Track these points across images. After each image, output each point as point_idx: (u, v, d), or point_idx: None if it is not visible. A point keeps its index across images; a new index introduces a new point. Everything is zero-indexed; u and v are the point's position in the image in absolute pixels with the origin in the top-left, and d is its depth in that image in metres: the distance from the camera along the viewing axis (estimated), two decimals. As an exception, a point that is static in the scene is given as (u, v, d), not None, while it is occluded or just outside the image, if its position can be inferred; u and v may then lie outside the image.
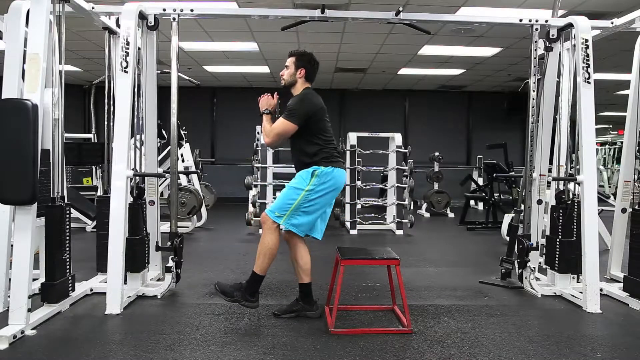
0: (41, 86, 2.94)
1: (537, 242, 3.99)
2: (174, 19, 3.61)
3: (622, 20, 3.82)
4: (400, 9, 3.66)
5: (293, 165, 3.23)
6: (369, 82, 10.83)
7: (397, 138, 7.41)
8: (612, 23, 3.86)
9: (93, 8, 3.56)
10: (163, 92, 3.86)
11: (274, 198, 7.46)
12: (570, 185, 3.81)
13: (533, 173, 3.92)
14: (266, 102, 3.24)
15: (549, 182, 4.19)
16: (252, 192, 7.09)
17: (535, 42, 3.78)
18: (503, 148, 8.74)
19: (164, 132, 5.72)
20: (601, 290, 3.63)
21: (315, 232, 3.20)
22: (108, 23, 3.83)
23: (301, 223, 3.05)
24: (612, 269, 4.25)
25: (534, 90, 3.83)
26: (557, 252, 3.79)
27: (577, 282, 3.81)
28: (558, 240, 3.78)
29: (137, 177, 3.63)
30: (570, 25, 3.68)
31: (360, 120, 11.32)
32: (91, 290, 3.63)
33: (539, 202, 4.05)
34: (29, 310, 2.85)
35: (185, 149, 7.02)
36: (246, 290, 3.09)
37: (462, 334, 2.94)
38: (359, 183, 7.16)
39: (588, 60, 3.57)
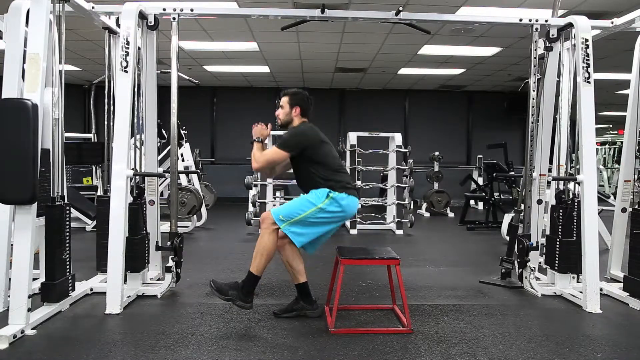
0: (41, 86, 2.94)
1: (537, 242, 3.99)
2: (174, 18, 3.61)
3: (622, 20, 3.83)
4: (400, 8, 3.66)
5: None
6: (369, 82, 10.82)
7: (397, 138, 7.40)
8: (612, 23, 3.86)
9: (93, 8, 3.56)
10: (163, 91, 3.86)
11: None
12: (570, 185, 3.82)
13: (533, 173, 3.92)
14: (259, 131, 3.24)
15: (549, 182, 4.19)
16: (252, 192, 7.09)
17: (535, 41, 3.78)
18: (503, 148, 8.73)
19: (164, 131, 5.72)
20: (601, 290, 3.62)
21: (310, 247, 3.16)
22: (108, 23, 3.83)
23: (302, 233, 3.02)
24: (612, 269, 4.25)
25: (534, 90, 3.83)
26: (557, 252, 3.79)
27: (577, 281, 3.81)
28: (558, 240, 3.78)
29: (137, 177, 3.64)
30: (570, 25, 3.68)
31: (360, 120, 11.31)
32: (91, 290, 3.64)
33: (539, 201, 4.06)
34: (29, 310, 2.85)
35: (185, 149, 7.02)
36: (242, 290, 3.04)
37: (462, 334, 2.94)
38: (359, 183, 7.16)
39: (588, 60, 3.57)
